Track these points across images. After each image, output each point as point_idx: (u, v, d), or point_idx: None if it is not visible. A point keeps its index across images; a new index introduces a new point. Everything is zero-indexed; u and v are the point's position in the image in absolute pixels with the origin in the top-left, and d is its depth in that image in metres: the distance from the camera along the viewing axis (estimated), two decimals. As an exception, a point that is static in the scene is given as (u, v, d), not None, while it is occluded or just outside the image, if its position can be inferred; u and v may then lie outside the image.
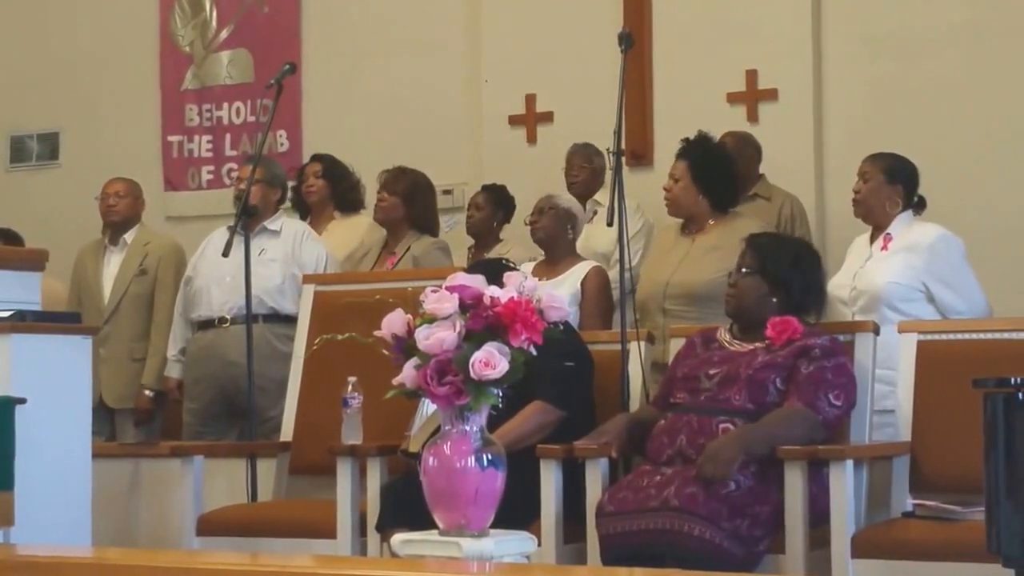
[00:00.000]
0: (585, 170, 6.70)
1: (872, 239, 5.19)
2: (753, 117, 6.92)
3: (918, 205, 5.18)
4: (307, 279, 5.56)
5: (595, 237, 6.15)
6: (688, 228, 5.42)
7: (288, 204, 6.77)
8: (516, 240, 6.75)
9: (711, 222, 5.34)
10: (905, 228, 5.12)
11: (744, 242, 4.63)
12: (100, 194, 6.76)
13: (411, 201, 6.29)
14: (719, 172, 5.41)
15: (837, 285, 5.15)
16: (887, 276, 5.03)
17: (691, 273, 5.25)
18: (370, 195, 6.81)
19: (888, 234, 5.12)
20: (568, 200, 5.85)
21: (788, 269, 4.52)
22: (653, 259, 5.66)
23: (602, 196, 6.29)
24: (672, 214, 5.52)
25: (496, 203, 6.85)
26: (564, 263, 5.68)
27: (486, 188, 6.95)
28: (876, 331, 4.56)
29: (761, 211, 6.17)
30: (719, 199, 5.37)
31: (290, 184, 6.89)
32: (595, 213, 6.19)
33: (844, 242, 6.05)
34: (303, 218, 6.83)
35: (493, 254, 6.47)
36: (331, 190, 6.84)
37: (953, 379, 4.25)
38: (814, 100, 6.90)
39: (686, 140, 5.47)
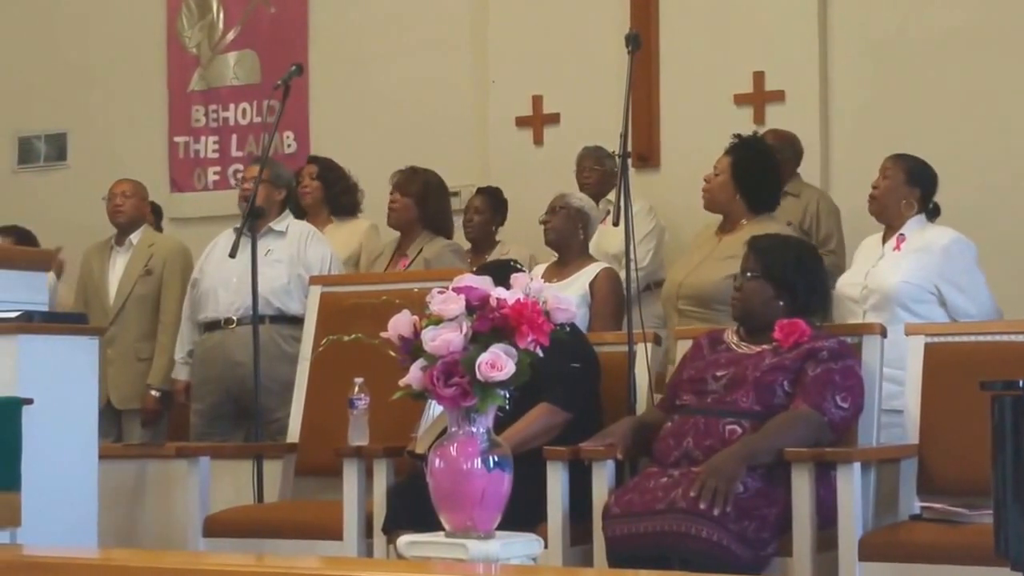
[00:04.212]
0: (596, 172, 6.70)
1: (884, 239, 5.19)
2: (760, 119, 6.92)
3: (933, 211, 5.19)
4: (314, 280, 5.56)
5: (605, 238, 6.15)
6: (722, 227, 5.38)
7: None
8: (513, 242, 6.75)
9: (743, 222, 5.29)
10: (919, 230, 5.12)
11: (746, 246, 4.62)
12: (107, 194, 6.77)
13: (424, 202, 6.30)
14: (761, 174, 5.36)
15: (847, 283, 5.15)
16: (900, 275, 5.03)
17: (703, 275, 5.24)
18: (378, 196, 6.81)
19: (902, 235, 5.13)
20: (581, 200, 5.83)
21: (792, 271, 4.50)
22: (683, 257, 5.65)
23: (614, 197, 6.29)
24: (706, 207, 5.44)
25: (494, 206, 6.86)
26: (574, 264, 5.68)
27: (482, 191, 6.95)
28: (884, 334, 4.55)
29: (788, 208, 6.17)
30: (755, 201, 5.31)
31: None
32: (607, 214, 6.17)
33: (849, 242, 6.06)
34: (299, 220, 6.83)
35: (492, 256, 6.47)
36: (325, 192, 6.84)
37: (961, 381, 4.24)
38: (820, 102, 6.91)
39: (738, 136, 5.44)
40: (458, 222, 6.83)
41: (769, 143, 5.97)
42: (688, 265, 5.38)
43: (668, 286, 5.41)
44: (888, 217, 5.18)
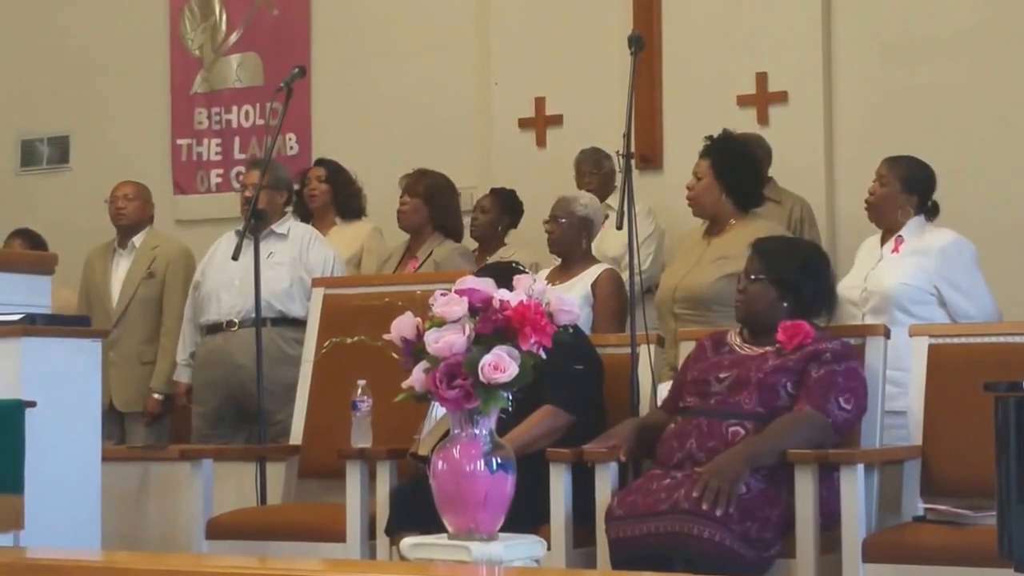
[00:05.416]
0: (596, 176, 6.68)
1: (883, 241, 5.18)
2: (763, 120, 6.91)
3: (932, 210, 5.17)
4: (317, 282, 5.56)
5: (605, 241, 6.14)
6: (710, 229, 5.36)
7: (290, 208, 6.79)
8: (520, 244, 6.74)
9: (732, 222, 5.27)
10: (917, 232, 5.11)
11: (751, 248, 4.61)
12: (109, 197, 6.77)
13: (433, 203, 6.30)
14: (742, 171, 5.32)
15: (847, 287, 5.14)
16: (898, 277, 5.02)
17: (698, 278, 5.22)
18: (380, 198, 6.81)
19: (900, 236, 5.11)
20: (584, 206, 5.78)
21: (797, 273, 4.50)
22: (674, 261, 5.63)
23: (614, 200, 6.27)
24: (696, 214, 5.41)
25: (503, 207, 6.84)
26: (578, 267, 5.67)
27: (495, 191, 6.94)
28: (887, 335, 4.55)
29: (771, 214, 6.15)
30: (742, 199, 5.29)
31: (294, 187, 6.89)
32: (606, 217, 6.15)
33: (854, 244, 6.04)
34: (304, 222, 6.83)
35: (495, 258, 6.46)
36: (333, 196, 6.84)
37: (964, 383, 4.23)
38: (824, 103, 6.89)
39: (710, 138, 5.38)
40: (465, 223, 6.84)
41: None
42: (680, 270, 5.36)
43: (662, 292, 5.36)
44: (886, 223, 5.17)
